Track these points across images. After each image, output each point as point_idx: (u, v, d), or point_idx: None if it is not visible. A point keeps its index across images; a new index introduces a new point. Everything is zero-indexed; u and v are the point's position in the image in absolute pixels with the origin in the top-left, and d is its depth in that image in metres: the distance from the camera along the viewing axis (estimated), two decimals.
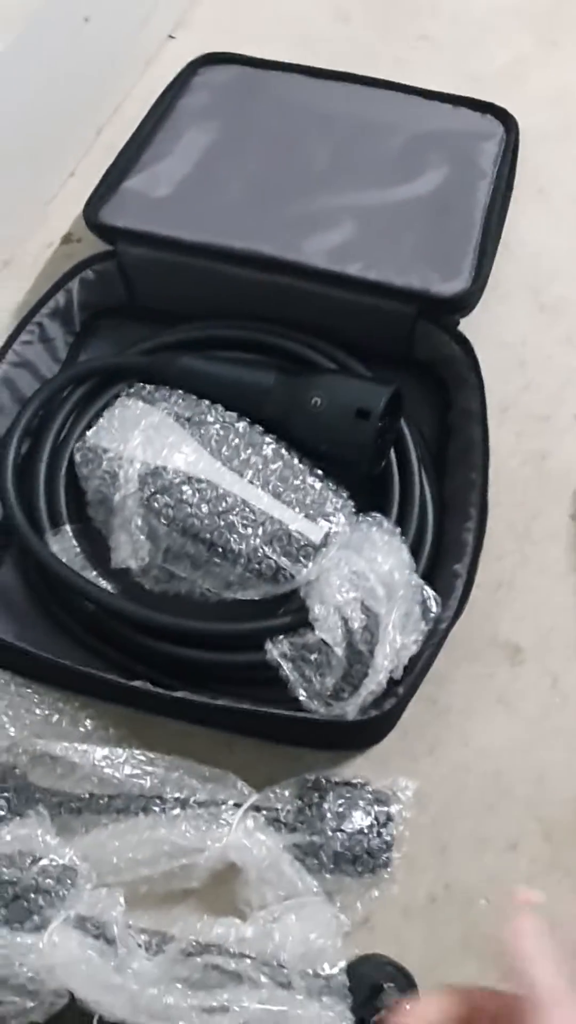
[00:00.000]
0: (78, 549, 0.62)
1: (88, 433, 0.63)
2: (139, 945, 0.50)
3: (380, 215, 0.71)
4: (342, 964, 0.51)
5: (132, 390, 0.66)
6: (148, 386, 0.65)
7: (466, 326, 0.69)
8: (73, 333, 0.72)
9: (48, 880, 0.51)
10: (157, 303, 0.73)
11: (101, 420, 0.63)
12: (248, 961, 0.49)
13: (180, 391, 0.65)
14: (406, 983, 0.51)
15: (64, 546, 0.62)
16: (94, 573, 0.61)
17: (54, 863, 0.51)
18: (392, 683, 0.56)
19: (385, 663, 0.53)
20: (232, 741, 0.59)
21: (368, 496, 0.63)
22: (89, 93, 0.85)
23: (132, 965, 0.49)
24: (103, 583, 0.61)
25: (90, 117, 0.86)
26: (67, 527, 0.62)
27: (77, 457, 0.63)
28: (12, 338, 0.67)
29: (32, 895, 0.50)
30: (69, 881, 0.51)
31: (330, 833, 0.54)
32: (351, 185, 0.73)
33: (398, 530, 0.59)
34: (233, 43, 0.85)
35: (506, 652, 0.63)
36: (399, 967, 0.52)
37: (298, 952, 0.50)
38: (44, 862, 0.51)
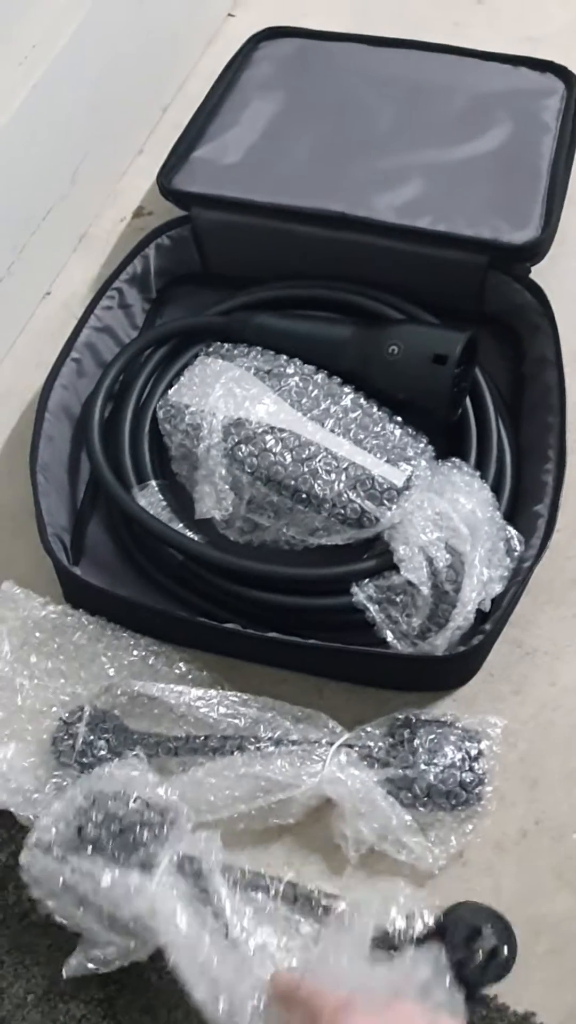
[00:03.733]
0: (164, 503, 0.64)
1: (170, 391, 0.65)
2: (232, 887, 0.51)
3: (447, 171, 0.71)
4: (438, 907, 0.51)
5: (211, 349, 0.67)
6: (226, 344, 0.67)
7: (536, 279, 0.69)
8: (150, 300, 0.74)
9: (151, 814, 0.52)
10: (229, 268, 0.75)
11: (182, 378, 0.65)
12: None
13: (258, 347, 0.66)
14: (502, 926, 0.51)
15: (150, 500, 0.63)
16: (180, 525, 0.63)
17: (155, 800, 0.53)
18: (479, 620, 0.56)
19: (473, 595, 0.54)
20: (321, 686, 0.61)
21: (446, 444, 0.63)
22: (153, 72, 0.87)
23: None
24: (190, 535, 0.62)
25: (155, 96, 0.88)
26: (153, 482, 0.64)
27: (160, 414, 0.65)
28: (94, 303, 0.69)
29: (137, 828, 0.52)
30: (172, 815, 0.53)
31: (423, 767, 0.54)
32: (416, 145, 0.74)
33: (478, 473, 0.60)
34: (291, 18, 0.86)
35: None
36: (494, 911, 0.52)
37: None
38: (146, 797, 0.53)
